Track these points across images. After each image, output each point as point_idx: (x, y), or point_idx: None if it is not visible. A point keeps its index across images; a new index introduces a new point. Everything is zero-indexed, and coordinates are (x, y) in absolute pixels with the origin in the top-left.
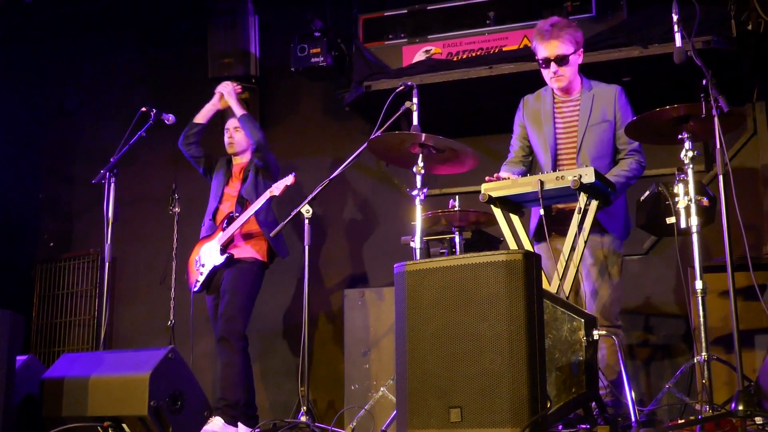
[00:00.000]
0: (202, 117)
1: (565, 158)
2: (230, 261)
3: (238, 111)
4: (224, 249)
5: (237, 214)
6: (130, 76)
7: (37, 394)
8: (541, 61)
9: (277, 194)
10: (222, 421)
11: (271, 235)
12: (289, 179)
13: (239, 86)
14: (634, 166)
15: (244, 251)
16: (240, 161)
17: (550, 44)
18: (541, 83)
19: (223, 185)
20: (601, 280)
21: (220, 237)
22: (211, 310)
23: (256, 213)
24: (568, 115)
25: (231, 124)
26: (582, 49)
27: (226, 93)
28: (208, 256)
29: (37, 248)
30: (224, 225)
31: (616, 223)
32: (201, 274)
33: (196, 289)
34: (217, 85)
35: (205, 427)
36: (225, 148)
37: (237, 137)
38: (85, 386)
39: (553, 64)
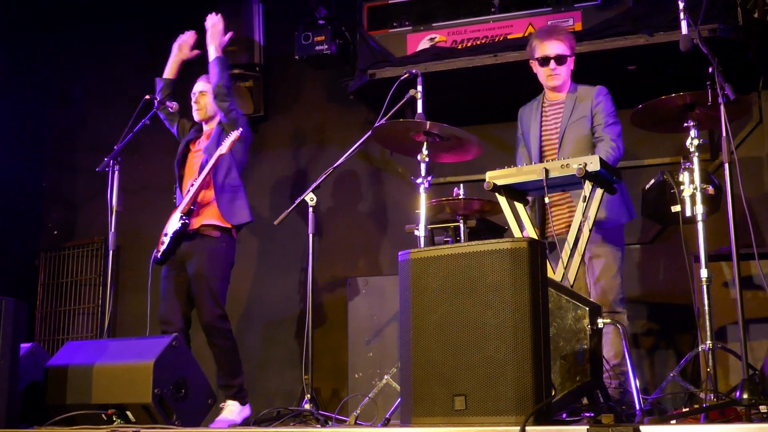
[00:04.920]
0: (169, 72)
1: (550, 158)
2: (185, 227)
3: (214, 53)
4: (185, 216)
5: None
6: (134, 64)
7: (42, 382)
8: (539, 60)
9: (224, 152)
10: (238, 404)
11: (274, 223)
12: (233, 134)
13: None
14: (610, 143)
15: (204, 219)
16: (212, 126)
17: (551, 44)
18: None
19: (183, 149)
20: (603, 268)
21: (182, 204)
22: (166, 283)
23: (214, 176)
24: (552, 117)
25: (196, 88)
26: (573, 57)
27: (213, 28)
28: (171, 225)
29: (41, 237)
30: (189, 190)
31: (613, 216)
32: (163, 243)
33: (157, 258)
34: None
35: (222, 416)
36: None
37: (203, 102)
38: (89, 374)
39: (552, 62)
